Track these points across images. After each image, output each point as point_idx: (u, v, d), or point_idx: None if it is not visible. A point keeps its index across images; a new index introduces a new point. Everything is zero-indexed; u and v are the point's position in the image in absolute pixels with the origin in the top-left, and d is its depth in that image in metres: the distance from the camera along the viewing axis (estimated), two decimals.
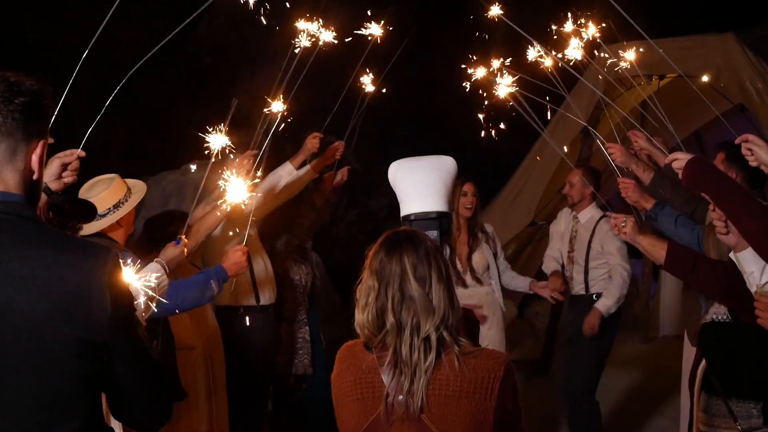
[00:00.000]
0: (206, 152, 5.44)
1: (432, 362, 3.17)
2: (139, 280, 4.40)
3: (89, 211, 3.70)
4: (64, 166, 3.99)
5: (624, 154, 6.35)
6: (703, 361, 4.91)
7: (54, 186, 3.94)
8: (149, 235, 6.65)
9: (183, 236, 5.22)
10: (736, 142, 4.58)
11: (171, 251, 5.11)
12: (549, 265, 8.39)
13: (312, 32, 6.15)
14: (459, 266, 7.60)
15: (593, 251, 8.05)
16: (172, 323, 6.00)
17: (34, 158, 2.63)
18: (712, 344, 4.90)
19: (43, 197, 3.92)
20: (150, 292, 4.41)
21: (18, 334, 2.42)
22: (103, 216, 5.33)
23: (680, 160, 4.62)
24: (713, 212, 4.74)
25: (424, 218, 3.95)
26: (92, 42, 3.89)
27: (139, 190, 5.56)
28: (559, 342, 12.14)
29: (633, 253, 7.65)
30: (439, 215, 3.98)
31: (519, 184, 11.26)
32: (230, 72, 6.18)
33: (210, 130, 5.22)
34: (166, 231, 6.12)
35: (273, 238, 7.81)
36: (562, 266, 8.33)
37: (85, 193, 5.36)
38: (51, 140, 2.84)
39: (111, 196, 5.37)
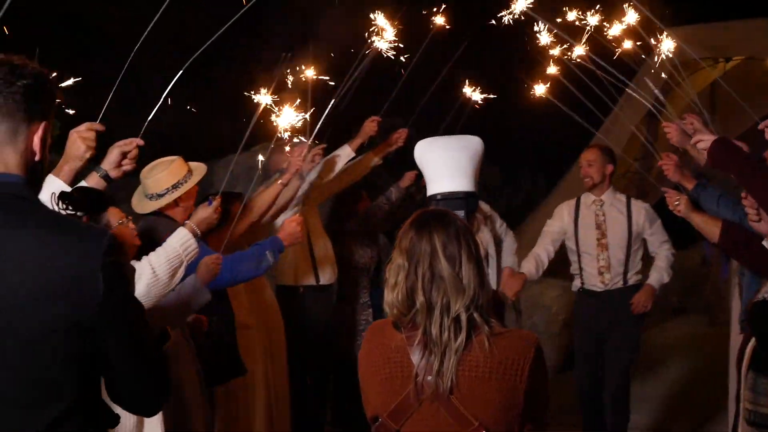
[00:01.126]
0: (277, 133, 5.62)
1: (462, 343, 3.13)
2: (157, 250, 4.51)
3: (98, 202, 3.75)
4: (124, 155, 4.13)
5: (680, 134, 6.20)
6: (753, 340, 4.90)
7: (113, 174, 4.11)
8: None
9: (213, 197, 5.19)
10: (760, 127, 4.61)
11: (201, 213, 5.08)
12: (527, 265, 7.67)
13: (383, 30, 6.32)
14: None
15: (634, 234, 7.54)
16: (231, 301, 6.12)
17: (36, 140, 2.64)
18: (763, 322, 4.85)
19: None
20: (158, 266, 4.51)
21: (8, 313, 2.43)
22: (161, 196, 5.51)
23: (705, 141, 4.65)
24: (745, 200, 4.74)
25: (451, 198, 3.89)
26: (151, 24, 4.02)
27: (199, 173, 5.67)
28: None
29: (696, 236, 7.46)
30: (467, 195, 3.91)
31: None
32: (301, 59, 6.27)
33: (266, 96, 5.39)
34: None
35: (343, 220, 7.91)
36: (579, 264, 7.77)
37: (145, 174, 5.54)
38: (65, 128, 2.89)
39: (169, 176, 5.52)
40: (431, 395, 3.15)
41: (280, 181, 6.32)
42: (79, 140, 3.91)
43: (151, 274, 4.44)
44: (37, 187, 2.78)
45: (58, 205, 3.63)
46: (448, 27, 6.86)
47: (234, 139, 5.92)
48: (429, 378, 3.15)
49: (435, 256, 3.18)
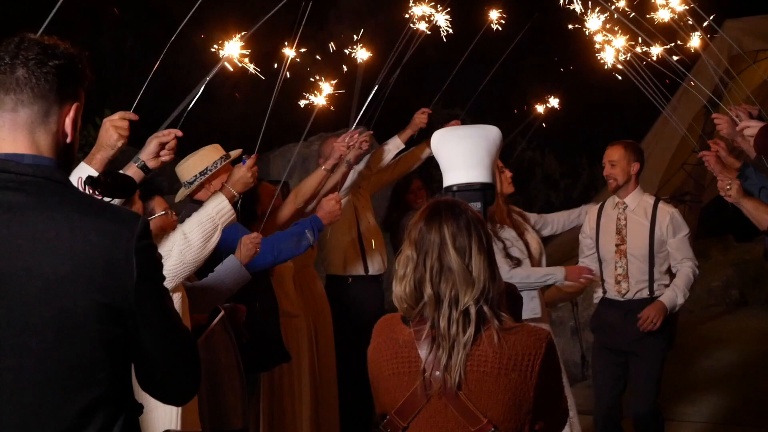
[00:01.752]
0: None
1: (471, 337, 3.04)
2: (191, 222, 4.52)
3: (128, 186, 3.75)
4: (162, 145, 4.14)
5: (731, 126, 6.03)
6: None
7: (152, 164, 4.11)
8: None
9: (247, 156, 5.10)
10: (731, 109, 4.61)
11: (236, 173, 4.91)
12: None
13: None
14: (518, 253, 6.51)
15: (657, 241, 6.71)
16: (276, 290, 6.15)
17: (68, 121, 2.61)
18: None
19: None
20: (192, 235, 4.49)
21: (41, 296, 2.41)
22: (191, 183, 5.57)
23: (752, 127, 4.63)
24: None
25: (467, 189, 3.73)
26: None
27: (232, 156, 5.69)
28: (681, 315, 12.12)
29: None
30: (483, 186, 3.75)
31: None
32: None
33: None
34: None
35: (399, 210, 7.95)
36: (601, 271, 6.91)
37: (179, 163, 5.64)
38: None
39: (198, 163, 5.58)
40: (439, 391, 3.08)
41: (324, 167, 6.38)
42: (112, 129, 3.91)
43: (183, 240, 4.44)
44: (68, 170, 2.79)
45: (85, 189, 3.52)
46: (502, 20, 6.88)
47: (291, 130, 6.06)
48: (437, 373, 3.07)
49: (444, 247, 3.10)
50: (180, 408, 4.46)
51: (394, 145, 7.32)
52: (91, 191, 3.37)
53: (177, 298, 4.52)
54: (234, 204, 4.73)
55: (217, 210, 4.59)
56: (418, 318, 3.15)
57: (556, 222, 7.50)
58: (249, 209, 6.16)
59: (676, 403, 8.82)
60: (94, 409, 2.49)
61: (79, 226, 2.47)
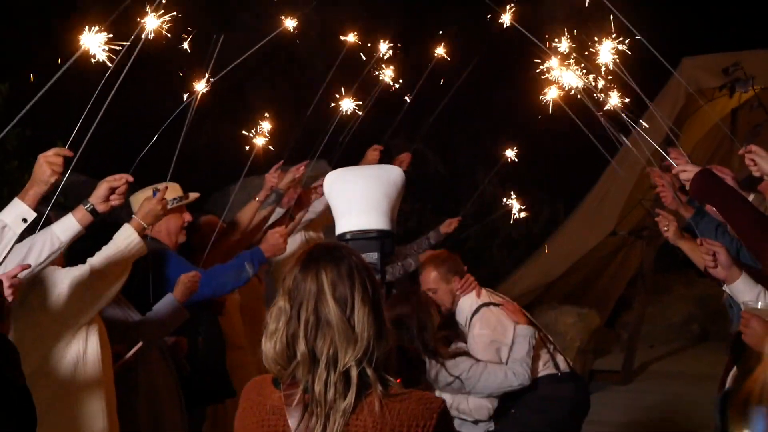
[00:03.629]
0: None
1: (350, 404, 2.61)
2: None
3: None
4: (112, 190, 4.16)
5: (673, 199, 6.07)
6: (734, 369, 4.83)
7: (100, 208, 4.13)
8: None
9: (158, 186, 5.07)
10: (740, 153, 4.63)
11: (146, 206, 4.77)
12: None
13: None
14: None
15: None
16: (222, 322, 6.13)
17: None
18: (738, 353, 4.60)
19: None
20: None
21: None
22: None
23: (688, 171, 4.64)
24: (701, 247, 4.73)
25: (362, 237, 3.32)
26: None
27: (170, 193, 5.61)
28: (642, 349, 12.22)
29: None
30: (381, 234, 3.32)
31: (601, 193, 11.26)
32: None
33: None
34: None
35: None
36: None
37: (137, 192, 5.67)
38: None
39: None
40: None
41: (257, 198, 6.44)
42: (45, 164, 3.91)
43: (92, 273, 4.43)
44: None
45: None
46: (448, 58, 6.94)
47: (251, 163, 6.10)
48: None
49: (322, 297, 2.67)
50: None
51: None
52: None
53: (93, 330, 4.52)
54: (144, 237, 4.71)
55: (126, 242, 4.56)
56: (290, 380, 2.70)
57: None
58: (188, 242, 6.15)
59: None
60: None
61: None
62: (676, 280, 14.44)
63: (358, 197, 3.41)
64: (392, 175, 3.50)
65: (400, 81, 6.74)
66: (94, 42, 3.90)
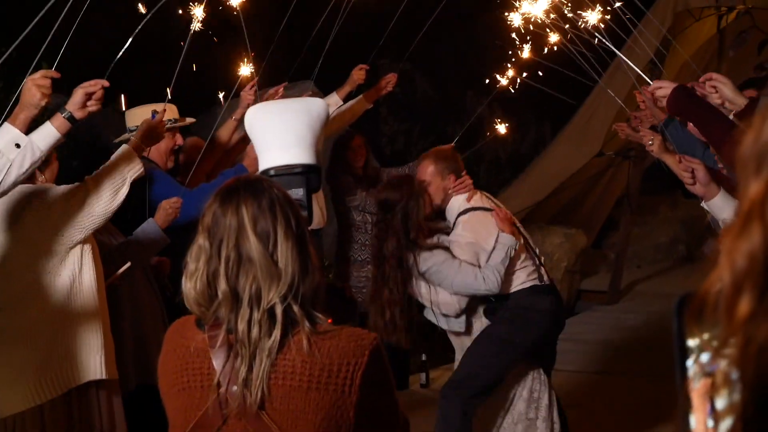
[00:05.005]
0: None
1: (276, 342, 2.48)
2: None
3: None
4: (89, 95, 4.13)
5: (632, 133, 6.20)
6: None
7: (78, 115, 4.10)
8: None
9: (156, 108, 5.11)
10: (700, 80, 4.66)
11: (144, 126, 4.85)
12: None
13: None
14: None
15: None
16: None
17: None
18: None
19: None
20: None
21: None
22: (132, 131, 5.52)
23: (665, 88, 4.66)
24: (680, 164, 4.76)
25: (286, 173, 3.15)
26: None
27: (168, 114, 5.69)
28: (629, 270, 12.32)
29: None
30: (306, 169, 3.16)
31: (587, 114, 11.24)
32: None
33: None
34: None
35: (342, 169, 7.94)
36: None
37: (134, 108, 5.81)
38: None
39: (147, 114, 5.47)
40: (238, 410, 2.52)
41: (233, 117, 6.45)
42: (34, 88, 3.91)
43: (91, 191, 4.42)
44: None
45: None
46: None
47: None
48: (234, 388, 2.51)
49: (242, 232, 2.53)
50: (103, 356, 4.52)
51: (332, 101, 7.31)
52: None
53: (87, 249, 4.53)
54: (142, 157, 4.72)
55: (125, 162, 4.55)
56: (213, 321, 2.57)
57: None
58: (175, 163, 6.18)
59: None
60: None
61: None
62: (662, 202, 14.49)
63: (280, 131, 3.23)
64: (315, 107, 3.32)
65: None
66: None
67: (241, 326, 2.48)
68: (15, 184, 4.01)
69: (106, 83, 4.15)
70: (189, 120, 5.78)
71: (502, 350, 5.77)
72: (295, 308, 2.50)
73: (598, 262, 12.98)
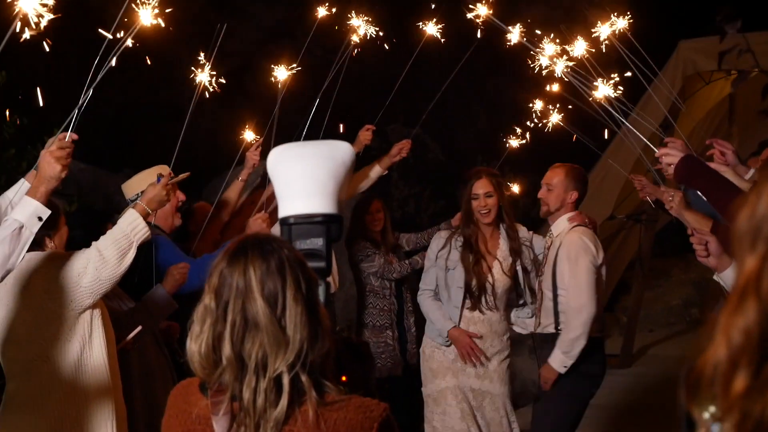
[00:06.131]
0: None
1: (282, 413, 2.38)
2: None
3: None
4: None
5: (651, 188, 6.19)
6: None
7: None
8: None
9: (163, 173, 5.11)
10: (707, 142, 4.66)
11: (149, 191, 4.82)
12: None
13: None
14: (474, 284, 6.21)
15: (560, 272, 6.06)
16: None
17: None
18: None
19: None
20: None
21: None
22: (133, 201, 5.52)
23: (672, 155, 4.65)
24: (692, 237, 4.73)
25: (306, 222, 2.91)
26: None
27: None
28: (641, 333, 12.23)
29: None
30: (327, 218, 2.91)
31: (598, 178, 11.22)
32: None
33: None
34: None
35: (360, 234, 7.91)
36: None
37: (128, 180, 5.85)
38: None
39: (142, 182, 5.64)
40: None
41: (240, 178, 6.42)
42: (54, 161, 3.94)
43: (98, 257, 4.40)
44: None
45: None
46: (442, 39, 6.92)
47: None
48: None
49: (249, 295, 2.42)
50: (114, 422, 4.52)
51: None
52: None
53: (97, 315, 4.54)
54: (148, 222, 4.70)
55: (131, 227, 4.54)
56: (217, 386, 2.47)
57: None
58: (184, 228, 6.21)
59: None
60: None
61: None
62: (674, 264, 14.45)
63: (301, 177, 2.95)
64: (340, 152, 3.00)
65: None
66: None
67: (246, 395, 2.39)
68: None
69: (74, 136, 4.12)
70: (182, 175, 5.78)
71: (582, 409, 6.05)
72: (303, 377, 2.40)
73: (611, 326, 12.89)
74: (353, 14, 6.51)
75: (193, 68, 5.37)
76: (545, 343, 6.09)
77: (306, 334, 2.41)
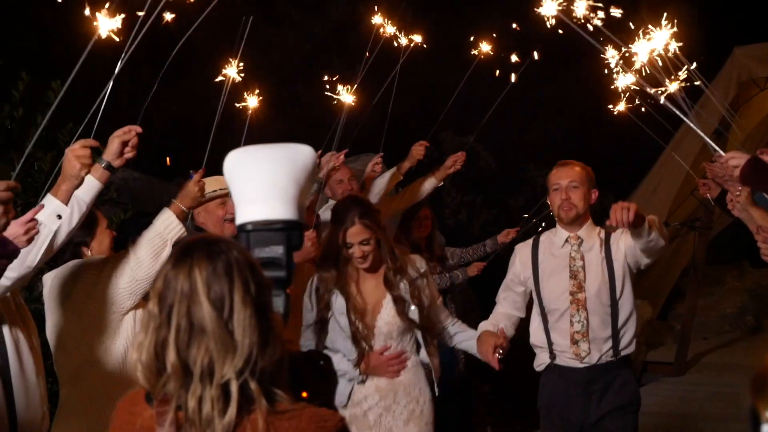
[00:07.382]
0: None
1: (231, 423, 2.25)
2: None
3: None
4: (124, 144, 4.17)
5: (719, 180, 6.04)
6: None
7: (116, 163, 4.18)
8: None
9: (194, 171, 4.95)
10: (758, 152, 4.63)
11: (183, 190, 4.70)
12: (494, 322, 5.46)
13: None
14: (360, 327, 5.19)
15: (617, 280, 5.41)
16: None
17: None
18: None
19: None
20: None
21: None
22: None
23: (737, 158, 4.62)
24: (757, 235, 4.70)
25: (265, 229, 2.68)
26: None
27: (212, 185, 5.53)
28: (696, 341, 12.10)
29: None
30: (287, 225, 2.69)
31: (652, 184, 11.18)
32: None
33: None
34: None
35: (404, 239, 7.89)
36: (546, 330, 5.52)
37: None
38: None
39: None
40: None
41: None
42: (74, 159, 3.97)
43: (133, 257, 4.44)
44: None
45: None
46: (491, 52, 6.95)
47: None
48: None
49: (195, 298, 2.29)
50: None
51: (392, 177, 7.35)
52: None
53: (140, 316, 4.54)
54: (184, 219, 4.68)
55: (165, 225, 4.53)
56: (162, 396, 2.32)
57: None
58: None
59: None
60: None
61: None
62: (728, 271, 14.32)
63: (260, 182, 2.72)
64: (301, 155, 2.76)
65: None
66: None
67: (192, 403, 2.25)
68: (65, 241, 4.12)
69: (139, 129, 4.19)
70: (216, 183, 5.76)
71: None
72: (252, 384, 2.26)
73: (665, 334, 12.79)
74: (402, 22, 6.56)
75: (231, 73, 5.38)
76: (602, 376, 5.39)
77: (255, 338, 2.27)
